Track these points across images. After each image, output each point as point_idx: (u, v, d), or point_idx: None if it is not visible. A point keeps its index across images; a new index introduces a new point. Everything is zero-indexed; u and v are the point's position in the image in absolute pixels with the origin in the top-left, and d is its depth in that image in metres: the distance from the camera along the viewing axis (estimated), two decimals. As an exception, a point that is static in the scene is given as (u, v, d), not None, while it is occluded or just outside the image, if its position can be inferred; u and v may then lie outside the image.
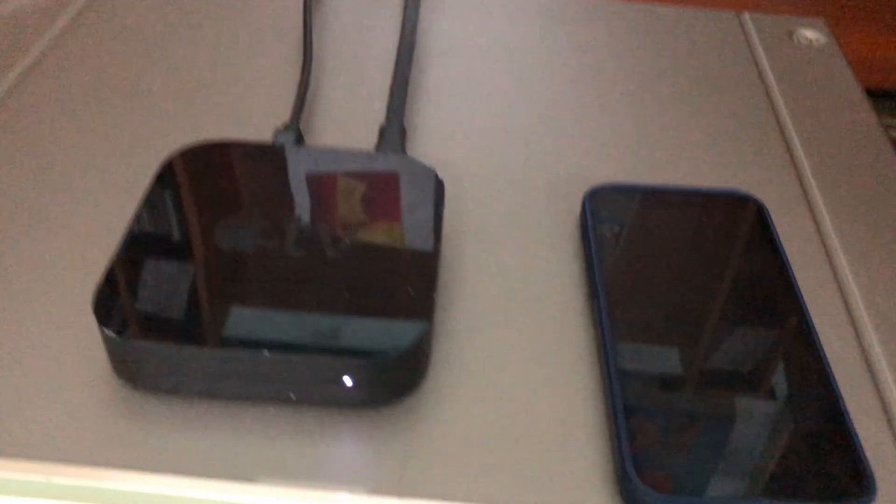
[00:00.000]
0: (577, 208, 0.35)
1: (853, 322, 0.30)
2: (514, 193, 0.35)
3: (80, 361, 0.27)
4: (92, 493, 0.24)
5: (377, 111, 0.39)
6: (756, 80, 0.43)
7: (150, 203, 0.29)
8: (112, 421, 0.26)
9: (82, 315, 0.29)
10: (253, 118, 0.38)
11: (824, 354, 0.27)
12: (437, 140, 0.38)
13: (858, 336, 0.30)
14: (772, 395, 0.26)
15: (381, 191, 0.31)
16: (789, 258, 0.33)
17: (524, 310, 0.30)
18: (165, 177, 0.31)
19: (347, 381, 0.25)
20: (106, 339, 0.25)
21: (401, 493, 0.24)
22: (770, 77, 0.43)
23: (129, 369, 0.26)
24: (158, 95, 0.39)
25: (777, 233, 0.32)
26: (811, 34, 0.47)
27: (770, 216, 0.33)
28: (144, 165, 0.35)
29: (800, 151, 0.38)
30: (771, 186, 0.36)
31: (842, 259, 0.33)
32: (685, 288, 0.30)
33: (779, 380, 0.27)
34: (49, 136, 0.36)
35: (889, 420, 0.27)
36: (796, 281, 0.30)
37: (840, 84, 0.43)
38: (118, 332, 0.25)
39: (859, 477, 0.24)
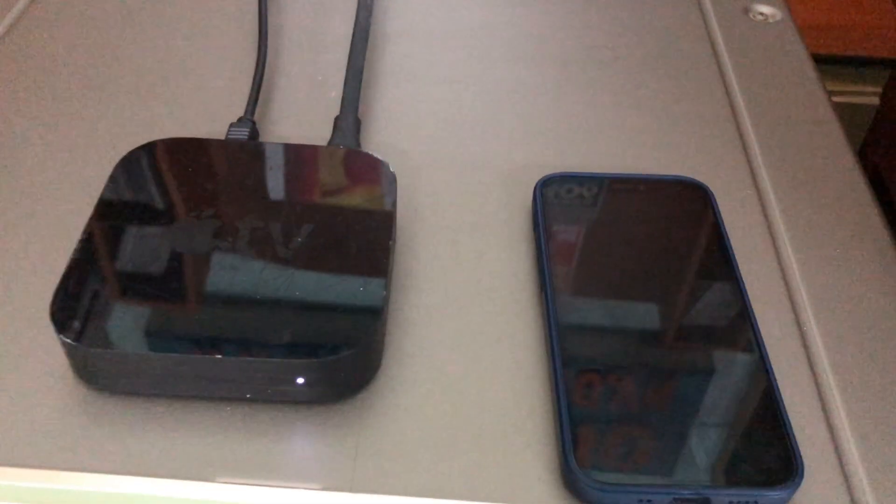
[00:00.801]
0: (530, 196, 0.35)
1: (794, 307, 0.31)
2: (468, 182, 0.36)
3: (38, 363, 0.28)
4: (56, 496, 0.25)
5: (333, 100, 0.39)
6: (710, 59, 0.44)
7: (105, 205, 0.30)
8: (73, 422, 0.26)
9: (40, 317, 0.29)
10: (208, 110, 0.38)
11: (761, 341, 0.28)
12: (391, 128, 0.38)
13: (798, 322, 0.31)
14: (708, 380, 0.27)
15: (332, 186, 0.31)
16: (734, 244, 0.34)
17: (476, 301, 0.31)
18: (120, 176, 0.31)
19: (300, 381, 0.26)
20: (64, 345, 0.26)
21: (353, 489, 0.25)
22: (724, 55, 0.44)
23: (87, 372, 0.27)
24: (112, 87, 0.39)
25: (722, 218, 0.33)
26: (767, 9, 0.48)
27: (716, 201, 0.34)
28: (99, 162, 0.35)
29: (750, 133, 0.39)
30: (720, 170, 0.37)
31: (786, 244, 0.34)
32: (632, 277, 0.31)
33: (717, 366, 0.28)
34: (0, 131, 0.37)
35: (823, 405, 0.28)
36: (738, 268, 0.31)
37: (793, 62, 0.44)
38: (75, 339, 0.26)
39: (789, 462, 0.25)
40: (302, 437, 0.27)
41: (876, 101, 0.79)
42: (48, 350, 0.28)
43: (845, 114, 0.83)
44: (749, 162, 0.38)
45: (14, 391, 0.27)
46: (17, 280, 0.31)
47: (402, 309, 0.30)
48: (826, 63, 0.78)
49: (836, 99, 0.82)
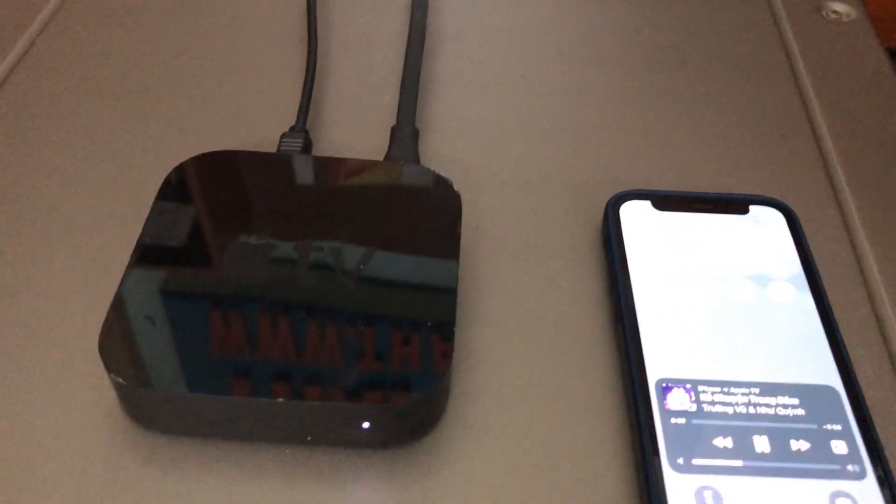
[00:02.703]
0: (600, 214, 0.33)
1: (883, 332, 0.29)
2: (532, 198, 0.34)
3: (88, 401, 0.26)
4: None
5: (387, 105, 0.37)
6: (783, 61, 0.41)
7: (152, 228, 0.28)
8: (123, 464, 0.25)
9: (89, 350, 0.28)
10: (258, 116, 0.36)
11: (854, 374, 0.26)
12: (449, 137, 0.36)
13: (888, 348, 0.29)
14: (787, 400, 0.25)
15: (393, 208, 0.29)
16: (819, 265, 0.32)
17: (544, 333, 0.29)
18: (166, 196, 0.29)
19: (365, 425, 0.24)
20: (113, 383, 0.24)
21: (422, 544, 0.24)
22: (797, 57, 0.41)
23: (138, 412, 0.25)
24: (157, 95, 0.37)
25: (808, 244, 0.31)
26: (840, 7, 0.45)
27: (800, 224, 0.31)
28: (146, 175, 0.34)
29: (829, 144, 0.37)
30: (800, 185, 0.35)
31: (872, 266, 0.32)
32: (720, 306, 0.28)
33: (800, 403, 0.26)
34: (44, 145, 0.35)
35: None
36: (825, 293, 0.29)
37: (869, 64, 0.41)
38: (126, 378, 0.24)
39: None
40: (365, 483, 0.25)
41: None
42: (98, 386, 0.27)
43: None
44: (829, 178, 0.35)
45: (63, 430, 0.26)
46: (63, 306, 0.29)
47: (466, 343, 0.29)
48: None
49: None
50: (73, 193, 0.33)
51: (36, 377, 0.27)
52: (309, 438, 0.25)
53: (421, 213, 0.29)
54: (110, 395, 0.27)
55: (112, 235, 0.31)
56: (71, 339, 0.28)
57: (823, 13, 0.45)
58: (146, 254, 0.27)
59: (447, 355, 0.25)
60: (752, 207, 0.32)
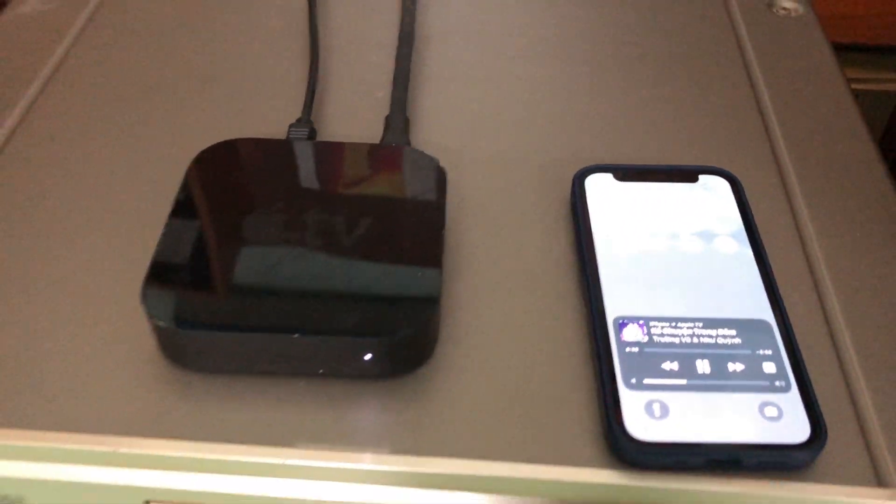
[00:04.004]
0: (568, 187, 0.38)
1: (817, 288, 0.34)
2: (509, 176, 0.38)
3: (130, 345, 0.31)
4: (147, 461, 0.28)
5: (381, 100, 0.42)
6: (736, 54, 0.46)
7: (184, 199, 0.33)
8: (162, 397, 0.29)
9: (128, 303, 0.32)
10: (268, 112, 0.41)
11: (788, 322, 0.31)
12: (436, 126, 0.41)
13: (822, 303, 0.33)
14: (733, 348, 0.30)
15: (388, 181, 0.34)
16: (761, 229, 0.36)
17: (520, 285, 0.34)
18: (195, 174, 0.34)
19: (367, 357, 0.29)
20: (154, 328, 0.29)
21: (418, 452, 0.28)
22: (749, 50, 0.46)
23: (175, 352, 0.30)
24: (175, 94, 0.42)
25: (749, 206, 0.35)
26: (789, 3, 0.50)
27: (743, 188, 0.36)
28: (171, 163, 0.38)
29: (775, 125, 0.41)
30: (746, 158, 0.39)
31: (810, 230, 0.36)
32: (672, 258, 0.33)
33: (743, 346, 0.30)
34: (80, 140, 0.40)
35: (846, 378, 0.31)
36: (766, 253, 0.34)
37: (815, 55, 0.46)
38: (165, 321, 0.29)
39: (816, 426, 0.28)
40: (370, 407, 0.29)
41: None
42: (139, 334, 0.31)
43: (868, 101, 0.84)
44: (774, 152, 0.40)
45: (108, 373, 0.30)
46: (107, 273, 0.34)
47: (453, 293, 0.33)
48: (850, 51, 0.80)
49: (859, 86, 0.84)
50: (116, 169, 0.37)
51: (85, 327, 0.31)
52: (321, 371, 0.30)
53: (413, 185, 0.34)
54: (151, 342, 0.31)
55: (151, 204, 0.36)
56: (116, 295, 0.33)
57: (774, 10, 0.49)
58: (181, 215, 0.32)
59: (435, 295, 0.30)
60: (701, 177, 0.37)
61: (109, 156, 0.39)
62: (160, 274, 0.30)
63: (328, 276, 0.30)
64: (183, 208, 0.33)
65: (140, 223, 0.36)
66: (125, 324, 0.32)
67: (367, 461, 0.28)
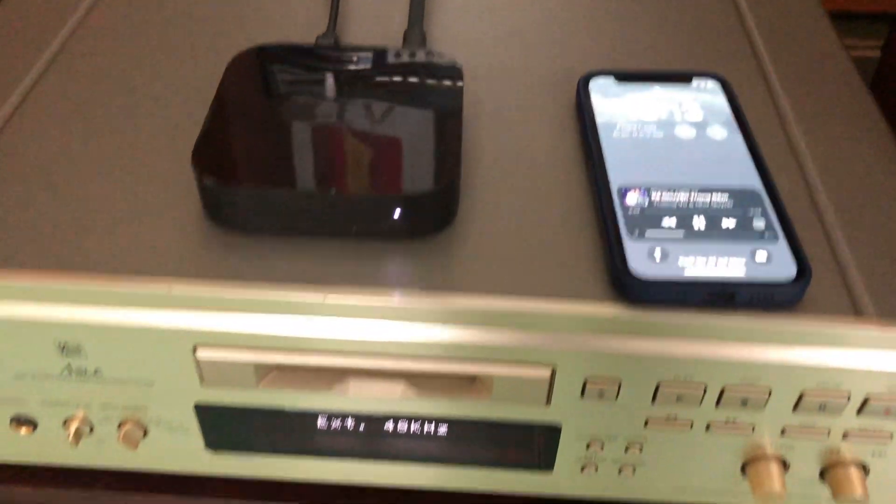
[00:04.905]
0: (573, 92, 0.41)
1: (800, 167, 0.37)
2: (520, 82, 0.42)
3: (180, 210, 0.34)
4: (201, 302, 0.31)
5: (397, 20, 0.45)
6: (724, -11, 0.49)
7: (226, 84, 0.36)
8: (210, 252, 0.32)
9: (178, 174, 0.35)
10: (294, 27, 0.44)
11: (779, 197, 0.34)
12: (451, 41, 0.44)
13: (805, 179, 0.37)
14: (730, 211, 0.33)
15: (413, 73, 0.37)
16: (751, 122, 0.40)
17: (533, 168, 0.37)
18: (236, 68, 0.37)
19: (397, 214, 0.32)
20: (202, 189, 0.32)
21: (445, 290, 0.31)
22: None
23: (221, 212, 0.33)
24: (211, 10, 0.45)
25: (738, 101, 0.39)
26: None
27: (732, 88, 0.40)
28: (212, 67, 0.42)
29: (756, 36, 0.45)
30: (732, 65, 0.43)
31: (791, 121, 0.40)
32: (669, 142, 0.36)
33: (739, 209, 0.33)
34: (126, 52, 0.43)
35: (825, 230, 0.34)
36: (756, 142, 0.37)
37: (797, -10, 0.50)
38: (212, 181, 0.32)
39: (802, 265, 0.31)
40: (398, 258, 0.32)
41: (877, 54, 0.85)
42: (189, 201, 0.34)
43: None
44: (757, 58, 0.43)
45: (160, 231, 0.33)
46: (160, 149, 0.37)
47: (470, 175, 0.36)
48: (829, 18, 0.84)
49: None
50: (160, 82, 0.41)
51: (141, 190, 0.34)
52: (354, 229, 0.33)
53: (434, 77, 0.37)
54: (198, 209, 0.34)
55: (197, 94, 0.39)
56: (168, 165, 0.36)
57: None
58: (225, 96, 0.35)
59: (456, 159, 0.33)
60: (694, 79, 0.40)
61: (154, 66, 0.42)
62: (208, 141, 0.33)
63: (362, 143, 0.33)
64: (226, 91, 0.36)
65: (187, 111, 0.39)
66: (176, 191, 0.35)
67: (397, 300, 0.31)
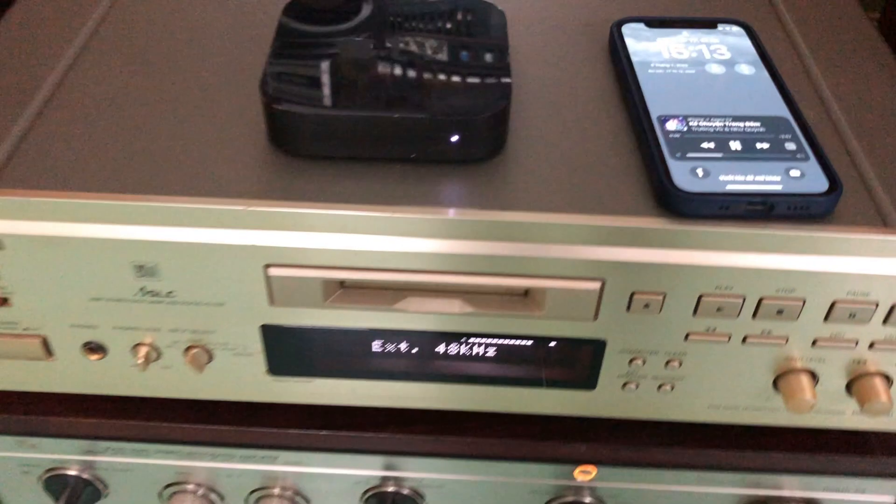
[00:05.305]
0: (604, 40, 0.44)
1: (819, 96, 0.40)
2: (556, 31, 0.44)
3: (247, 141, 0.36)
4: (274, 220, 0.33)
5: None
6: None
7: (286, 21, 0.38)
8: (279, 175, 0.34)
9: (242, 107, 0.37)
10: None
11: (807, 123, 0.37)
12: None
13: (825, 107, 0.39)
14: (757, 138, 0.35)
15: (462, 13, 0.39)
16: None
17: (574, 103, 0.39)
18: (295, 6, 0.39)
19: (454, 138, 0.34)
20: (271, 115, 0.34)
21: (500, 208, 0.33)
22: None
23: (287, 139, 0.35)
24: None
25: (762, 43, 0.41)
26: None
27: (756, 32, 0.42)
28: (273, 6, 0.44)
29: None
30: (750, 13, 0.45)
31: (810, 59, 0.42)
32: (700, 78, 0.39)
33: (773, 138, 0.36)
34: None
35: (847, 149, 0.36)
36: (780, 75, 0.39)
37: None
38: (281, 107, 0.34)
39: (833, 179, 0.33)
40: (457, 179, 0.35)
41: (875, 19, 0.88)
42: (254, 130, 0.36)
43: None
44: (772, 3, 0.46)
45: (228, 160, 0.35)
46: (227, 81, 0.39)
47: (516, 109, 0.39)
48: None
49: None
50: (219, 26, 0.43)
51: (205, 122, 0.36)
52: (413, 155, 0.35)
53: (481, 19, 0.39)
54: (263, 138, 0.36)
55: (260, 27, 0.41)
56: (229, 97, 0.38)
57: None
58: (286, 30, 0.37)
59: (508, 90, 0.35)
60: (719, 25, 0.43)
61: (215, 2, 0.44)
62: (275, 71, 0.35)
63: (419, 72, 0.35)
64: (287, 26, 0.38)
65: (248, 49, 0.41)
66: (241, 122, 0.37)
67: (456, 213, 0.33)
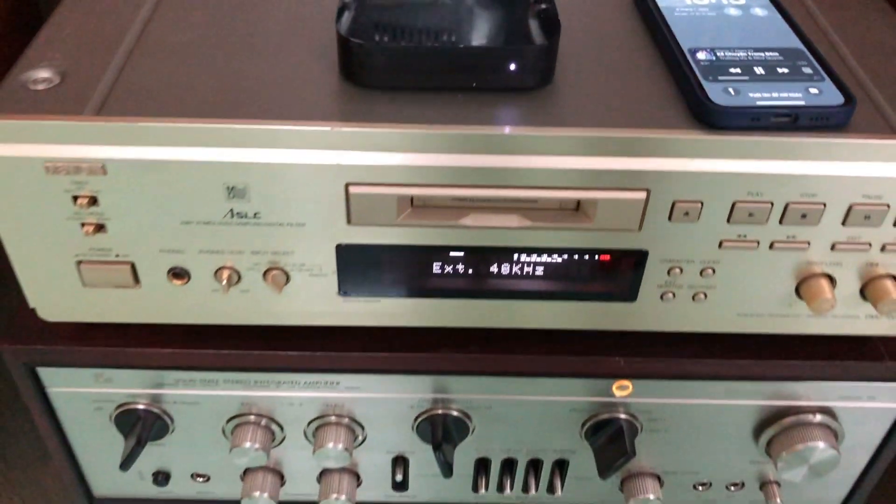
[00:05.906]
0: None
1: (826, 37, 0.44)
2: (580, -14, 0.48)
3: (320, 73, 0.40)
4: (356, 141, 0.37)
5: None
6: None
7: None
8: (358, 103, 0.38)
9: (313, 44, 0.41)
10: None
11: (811, 43, 0.41)
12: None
13: (834, 46, 0.44)
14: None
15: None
16: (781, 11, 0.47)
17: (605, 42, 0.43)
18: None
19: (512, 67, 0.38)
20: (345, 47, 0.38)
21: (545, 125, 0.37)
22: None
23: (359, 70, 0.38)
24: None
25: (772, -10, 0.46)
26: None
27: (766, -19, 0.47)
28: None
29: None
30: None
31: (815, 9, 0.47)
32: (721, 20, 0.43)
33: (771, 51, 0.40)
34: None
35: (846, 66, 0.41)
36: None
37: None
38: (355, 40, 0.37)
39: (847, 95, 0.38)
40: (514, 103, 0.39)
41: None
42: (325, 64, 0.40)
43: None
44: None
45: (307, 91, 0.39)
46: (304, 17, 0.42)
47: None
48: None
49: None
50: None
51: (280, 58, 0.40)
52: (474, 84, 0.39)
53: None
54: (335, 72, 0.40)
55: None
56: (307, 30, 0.41)
57: None
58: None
59: (558, 24, 0.39)
60: (733, -25, 0.47)
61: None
62: (347, 7, 0.39)
63: (481, 12, 0.40)
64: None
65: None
66: (312, 58, 0.40)
67: (510, 130, 0.37)
